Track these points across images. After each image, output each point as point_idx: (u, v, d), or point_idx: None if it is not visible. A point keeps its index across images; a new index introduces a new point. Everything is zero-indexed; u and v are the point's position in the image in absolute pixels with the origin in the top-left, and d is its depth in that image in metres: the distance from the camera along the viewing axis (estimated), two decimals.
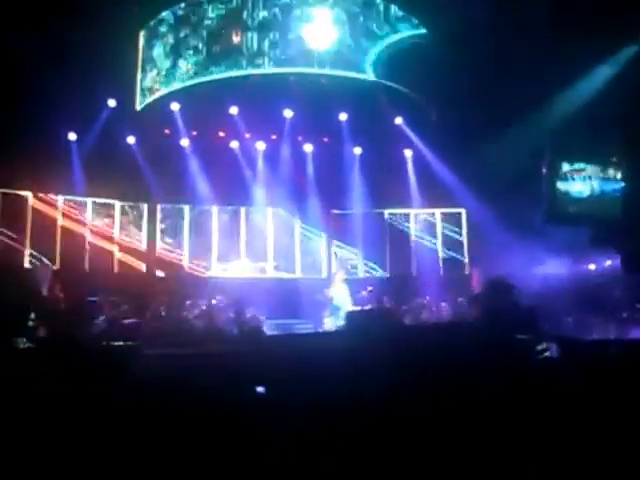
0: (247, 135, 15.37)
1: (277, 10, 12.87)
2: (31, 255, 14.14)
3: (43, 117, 12.87)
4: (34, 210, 14.40)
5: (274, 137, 15.67)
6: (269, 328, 12.72)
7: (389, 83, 13.72)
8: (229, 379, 4.58)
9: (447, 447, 2.06)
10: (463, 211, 16.79)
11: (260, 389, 3.69)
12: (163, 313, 12.96)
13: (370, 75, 13.23)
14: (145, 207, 15.53)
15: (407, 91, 13.98)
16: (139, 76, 14.05)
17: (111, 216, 15.29)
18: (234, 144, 15.71)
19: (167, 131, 14.97)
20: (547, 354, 3.91)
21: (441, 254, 16.84)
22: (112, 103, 14.30)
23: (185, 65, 13.25)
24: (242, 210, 16.35)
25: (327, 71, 13.25)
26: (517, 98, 13.16)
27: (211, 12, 13.05)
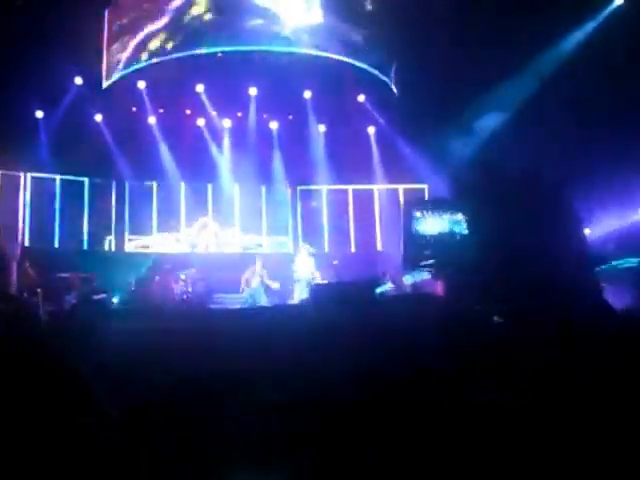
0: (213, 113, 15.58)
1: None
2: None
3: (10, 95, 12.91)
4: (1, 187, 14.40)
5: (240, 114, 15.88)
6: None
7: (353, 62, 14.01)
8: (190, 354, 4.84)
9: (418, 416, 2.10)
10: (426, 187, 16.86)
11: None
12: (132, 288, 13.23)
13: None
14: (113, 184, 15.59)
15: (371, 69, 14.27)
16: (105, 54, 14.15)
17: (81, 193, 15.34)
18: (200, 121, 15.88)
19: (134, 109, 15.13)
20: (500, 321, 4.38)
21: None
22: (79, 81, 14.36)
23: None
24: (209, 187, 16.48)
25: (292, 49, 13.51)
26: (478, 76, 13.51)
27: None
